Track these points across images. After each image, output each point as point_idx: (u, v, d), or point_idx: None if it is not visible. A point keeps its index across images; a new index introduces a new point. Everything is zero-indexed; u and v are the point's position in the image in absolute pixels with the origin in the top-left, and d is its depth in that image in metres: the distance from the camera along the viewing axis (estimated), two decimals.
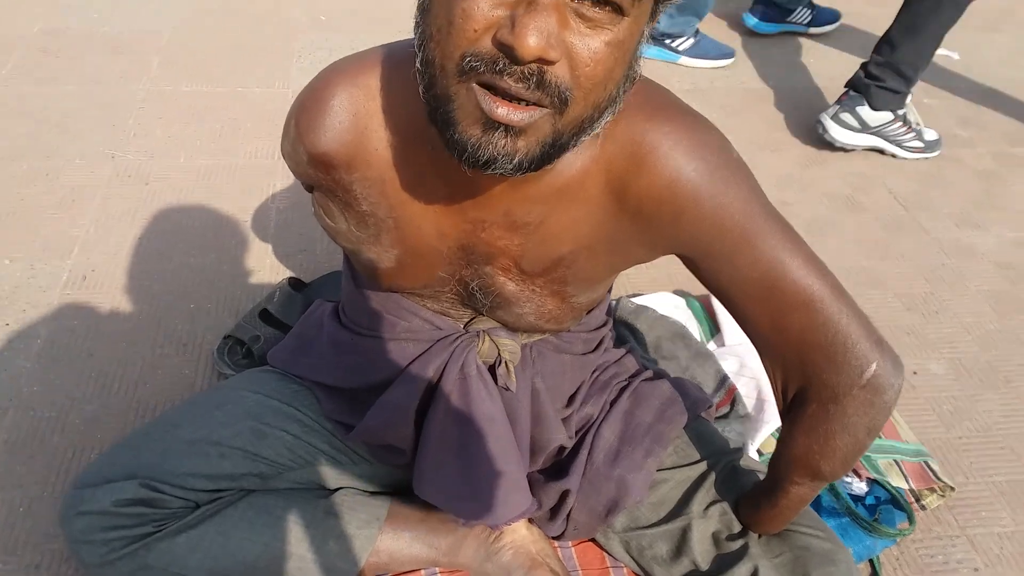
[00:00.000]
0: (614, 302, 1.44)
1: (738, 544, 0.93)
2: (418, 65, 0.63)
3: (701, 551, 0.95)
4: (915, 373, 1.45)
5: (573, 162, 0.72)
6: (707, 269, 0.78)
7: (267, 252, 1.58)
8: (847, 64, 2.48)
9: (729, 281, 0.78)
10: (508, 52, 0.55)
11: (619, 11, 0.57)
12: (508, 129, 0.59)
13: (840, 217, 1.84)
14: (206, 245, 1.57)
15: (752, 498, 0.95)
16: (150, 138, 1.86)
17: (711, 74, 2.37)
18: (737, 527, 0.95)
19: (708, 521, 0.97)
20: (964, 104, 2.33)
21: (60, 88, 2.01)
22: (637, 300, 1.48)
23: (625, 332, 1.39)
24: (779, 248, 0.75)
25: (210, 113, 1.97)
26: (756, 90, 2.32)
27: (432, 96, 0.62)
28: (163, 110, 1.97)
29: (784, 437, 0.87)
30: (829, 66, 2.47)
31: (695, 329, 1.47)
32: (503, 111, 0.58)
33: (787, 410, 0.86)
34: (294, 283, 1.42)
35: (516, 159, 0.60)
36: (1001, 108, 2.32)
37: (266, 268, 1.54)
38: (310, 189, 0.83)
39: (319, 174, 0.77)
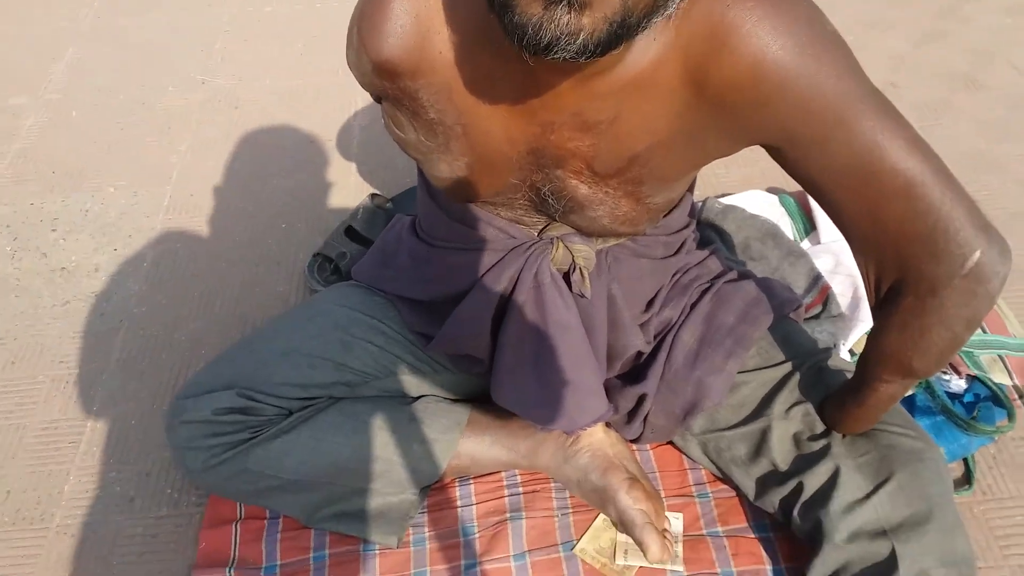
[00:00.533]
0: (700, 203, 1.39)
1: (820, 444, 0.91)
2: None
3: (780, 451, 0.94)
4: None
5: (646, 50, 0.67)
6: (796, 158, 0.72)
7: (351, 169, 1.61)
8: None
9: (821, 169, 0.72)
10: None
11: None
12: (571, 2, 0.54)
13: (956, 97, 1.68)
14: (295, 166, 1.61)
15: (838, 397, 0.91)
16: (237, 62, 1.90)
17: None
18: (820, 427, 0.92)
19: (790, 422, 0.94)
20: None
21: (148, 18, 2.07)
22: (726, 200, 1.42)
23: (711, 233, 1.34)
24: (877, 130, 0.68)
25: (292, 32, 1.99)
26: None
27: None
28: (248, 32, 2.00)
29: (875, 332, 0.82)
30: None
31: (788, 227, 1.40)
32: None
33: (880, 304, 0.80)
34: (377, 199, 1.44)
35: (581, 38, 0.55)
36: None
37: (351, 185, 1.57)
38: (379, 100, 0.82)
39: (385, 83, 0.76)
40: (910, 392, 1.11)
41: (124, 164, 1.62)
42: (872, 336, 0.83)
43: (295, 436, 0.97)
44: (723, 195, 1.45)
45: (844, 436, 0.91)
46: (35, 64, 1.91)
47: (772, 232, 1.34)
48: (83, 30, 2.03)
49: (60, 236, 1.47)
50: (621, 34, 0.56)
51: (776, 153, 0.74)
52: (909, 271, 0.74)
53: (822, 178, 0.72)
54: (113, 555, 1.03)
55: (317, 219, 1.49)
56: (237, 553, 0.99)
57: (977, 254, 0.71)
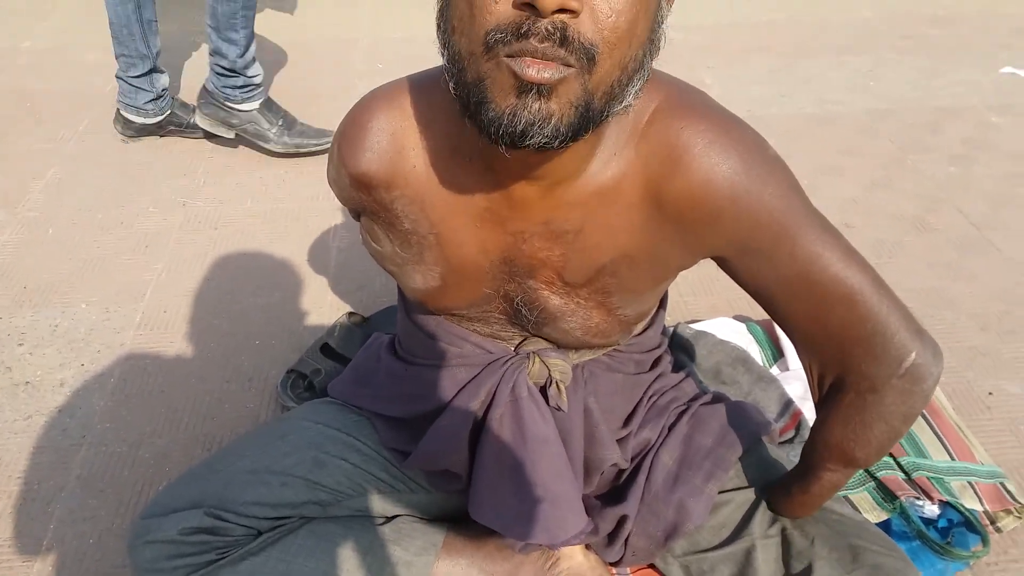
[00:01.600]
0: (672, 328, 1.42)
1: (805, 563, 0.90)
2: (446, 63, 0.64)
3: (766, 572, 0.92)
4: (990, 394, 1.39)
5: (608, 165, 0.73)
6: (745, 267, 0.78)
7: (327, 289, 1.62)
8: (909, 86, 2.43)
9: (768, 278, 0.77)
10: (529, 8, 0.56)
11: None
12: (540, 90, 0.58)
13: (908, 239, 1.79)
14: (271, 285, 1.62)
15: (784, 485, 0.93)
16: (219, 185, 1.95)
17: (769, 102, 2.35)
18: (803, 544, 0.92)
19: (771, 540, 0.94)
20: None
21: (133, 143, 2.13)
22: (696, 326, 1.46)
23: (684, 358, 1.37)
24: (818, 242, 0.74)
25: (274, 161, 2.06)
26: (815, 115, 2.29)
27: (463, 84, 0.62)
28: (230, 159, 2.06)
29: (819, 425, 0.86)
30: (888, 87, 2.42)
31: (757, 354, 1.44)
32: (533, 70, 0.57)
33: (823, 400, 0.85)
34: (353, 318, 1.45)
35: (552, 123, 0.59)
36: None
37: (327, 305, 1.58)
38: (357, 217, 0.86)
39: (361, 195, 0.80)
40: (884, 517, 1.12)
41: (98, 281, 1.62)
42: (816, 429, 0.87)
43: (263, 559, 0.93)
44: (693, 321, 1.49)
45: (827, 551, 0.90)
46: (16, 182, 1.94)
47: (742, 358, 1.37)
48: (66, 152, 2.08)
49: (27, 350, 1.44)
50: (588, 119, 0.61)
51: (727, 264, 0.80)
52: (850, 370, 0.79)
53: (769, 286, 0.78)
54: None
55: (292, 336, 1.49)
56: None
57: (913, 355, 0.77)
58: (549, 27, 0.56)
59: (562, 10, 0.55)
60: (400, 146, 0.77)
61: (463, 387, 0.92)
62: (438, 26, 0.65)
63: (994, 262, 1.71)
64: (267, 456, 0.99)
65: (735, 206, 0.72)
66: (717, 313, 1.54)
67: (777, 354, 1.44)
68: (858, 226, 1.83)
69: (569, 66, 0.58)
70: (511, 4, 0.57)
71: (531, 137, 0.60)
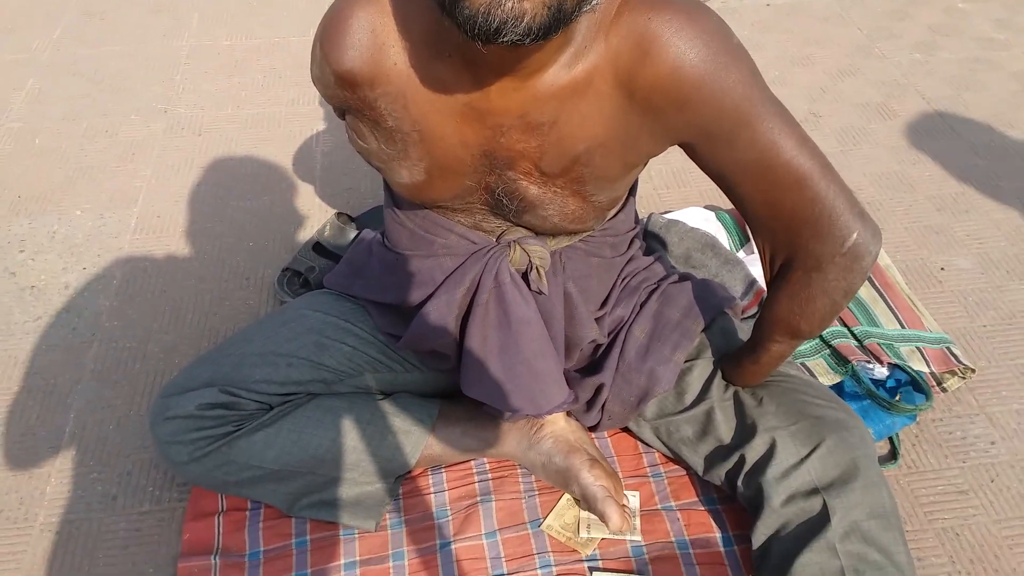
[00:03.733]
0: (645, 218, 1.50)
1: (756, 418, 1.01)
2: None
3: (724, 429, 1.04)
4: (942, 269, 1.49)
5: (580, 57, 0.77)
6: (707, 152, 0.84)
7: (315, 192, 1.68)
8: None
9: (727, 162, 0.84)
10: None
11: None
12: None
13: (873, 125, 1.85)
14: (259, 189, 1.67)
15: (736, 357, 1.04)
16: (198, 92, 1.96)
17: None
18: (752, 403, 1.03)
19: (727, 403, 1.04)
20: (999, 5, 2.28)
21: (108, 49, 2.12)
22: (668, 216, 1.53)
23: (656, 245, 1.45)
24: (775, 130, 0.80)
25: (251, 65, 2.06)
26: (785, 3, 2.30)
27: None
28: (207, 65, 2.06)
29: (768, 301, 0.95)
30: None
31: (725, 240, 1.52)
32: None
33: (773, 278, 0.93)
34: (342, 218, 1.52)
35: (524, 21, 0.64)
36: None
37: (315, 207, 1.64)
38: (342, 116, 0.91)
39: (345, 93, 0.84)
40: (837, 380, 1.23)
41: (89, 189, 1.66)
42: (766, 304, 0.95)
43: (276, 429, 1.03)
44: (665, 212, 1.57)
45: (775, 407, 1.01)
46: None
47: (711, 243, 1.46)
48: (42, 61, 2.07)
49: (28, 256, 1.50)
50: (559, 18, 0.66)
51: (692, 150, 0.86)
52: (798, 250, 0.87)
53: (729, 171, 0.85)
54: (98, 549, 1.06)
55: (283, 238, 1.56)
56: (221, 542, 1.03)
57: (855, 235, 0.84)
58: None
59: None
60: (381, 43, 0.80)
61: (450, 274, 1.00)
62: None
63: (953, 145, 1.79)
64: (272, 341, 1.08)
65: (700, 93, 0.78)
66: (689, 204, 1.62)
67: (744, 239, 1.53)
68: (825, 115, 1.89)
69: None
70: None
71: (505, 34, 0.64)
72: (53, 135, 1.81)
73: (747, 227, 1.53)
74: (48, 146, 1.78)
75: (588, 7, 0.69)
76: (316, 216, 1.61)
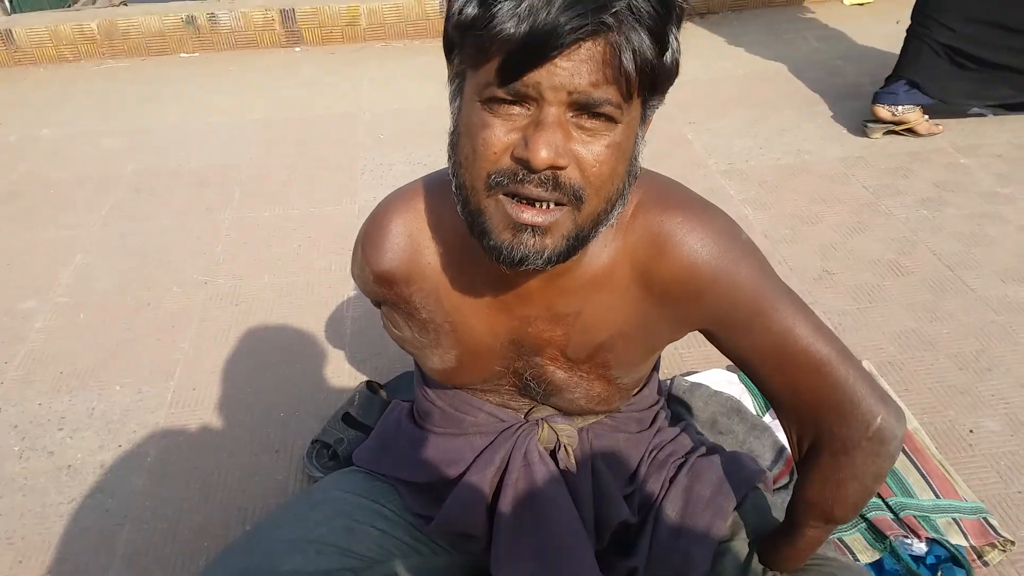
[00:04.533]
0: (668, 381, 1.52)
1: None
2: (453, 189, 0.76)
3: None
4: (971, 431, 1.48)
5: (600, 255, 0.83)
6: (726, 340, 0.88)
7: (345, 358, 1.73)
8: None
9: (746, 349, 0.87)
10: (525, 165, 0.68)
11: (612, 120, 0.69)
12: (535, 229, 0.70)
13: (887, 282, 1.90)
14: (292, 356, 1.73)
15: (772, 540, 1.02)
16: (237, 262, 2.07)
17: (747, 154, 2.48)
18: None
19: None
20: (1000, 161, 2.38)
21: (155, 223, 2.25)
22: (691, 378, 1.55)
23: (681, 410, 1.46)
24: (789, 318, 0.84)
25: (288, 234, 2.18)
26: (791, 164, 2.42)
27: (468, 212, 0.74)
28: (247, 235, 2.18)
29: (799, 485, 0.95)
30: (859, 135, 2.55)
31: (750, 403, 1.53)
32: (528, 215, 0.70)
33: (802, 461, 0.93)
34: (371, 386, 1.55)
35: (545, 254, 0.72)
36: None
37: (345, 373, 1.68)
38: (378, 305, 0.97)
39: (383, 290, 0.91)
40: (876, 557, 1.20)
41: (129, 363, 1.73)
42: (797, 488, 0.96)
43: None
44: (688, 372, 1.59)
45: None
46: (45, 269, 2.05)
47: (736, 408, 1.47)
48: (92, 236, 2.20)
49: (67, 435, 1.54)
50: (577, 246, 0.73)
51: (711, 336, 0.90)
52: (824, 433, 0.89)
53: (749, 357, 0.88)
54: None
55: (314, 407, 1.59)
56: None
57: (879, 419, 0.86)
58: (543, 177, 0.68)
59: (552, 166, 0.67)
60: (417, 246, 0.88)
61: (479, 454, 1.02)
62: (448, 155, 0.77)
63: (968, 301, 1.82)
64: (302, 526, 1.08)
65: (715, 286, 0.83)
66: (710, 364, 1.64)
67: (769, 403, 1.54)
68: (838, 272, 1.94)
69: (561, 204, 0.70)
70: (510, 156, 0.69)
71: (527, 264, 0.72)
72: (98, 309, 1.90)
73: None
74: (92, 320, 1.86)
75: (605, 226, 0.75)
76: (346, 382, 1.65)
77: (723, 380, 1.58)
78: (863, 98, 2.73)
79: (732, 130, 2.63)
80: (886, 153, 2.44)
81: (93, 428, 1.56)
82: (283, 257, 2.08)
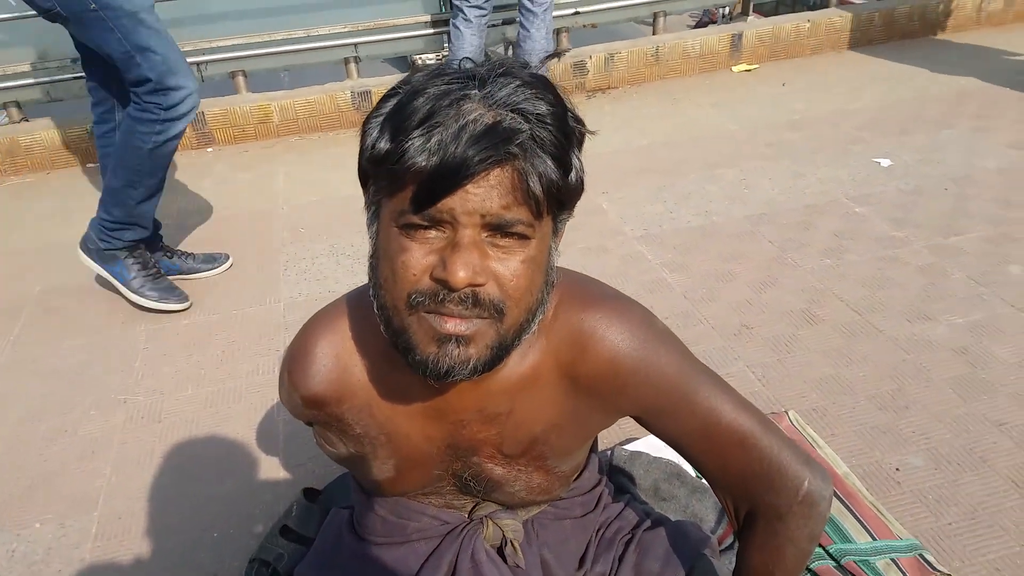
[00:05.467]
0: (609, 451, 1.53)
1: None
2: (376, 309, 0.78)
3: None
4: (898, 470, 1.54)
5: (526, 356, 0.86)
6: (655, 424, 0.91)
7: (280, 464, 1.68)
8: (778, 190, 2.71)
9: (675, 431, 0.90)
10: (445, 284, 0.70)
11: (525, 237, 0.72)
12: (458, 340, 0.72)
13: (801, 332, 1.98)
14: (222, 472, 1.67)
15: None
16: (158, 376, 2.00)
17: (659, 219, 2.58)
18: None
19: None
20: (892, 206, 2.54)
21: (68, 343, 2.17)
22: (630, 447, 1.57)
23: (623, 479, 1.47)
24: (712, 397, 0.88)
25: (210, 340, 2.13)
26: (701, 226, 2.52)
27: (391, 331, 0.76)
28: (166, 346, 2.12)
29: (741, 553, 0.98)
30: (760, 193, 2.70)
31: (688, 465, 1.56)
32: (451, 325, 0.72)
33: (741, 529, 0.97)
34: (309, 494, 1.51)
35: (471, 364, 0.73)
36: (929, 204, 2.53)
37: (281, 481, 1.63)
38: (309, 424, 0.96)
39: (314, 411, 0.91)
40: None
41: (49, 496, 1.64)
42: (739, 555, 0.99)
43: None
44: (627, 440, 1.61)
45: None
46: None
47: (676, 472, 1.49)
48: (1, 363, 2.10)
49: None
50: (501, 355, 0.76)
51: (641, 421, 0.93)
52: (756, 503, 0.93)
53: (678, 438, 0.91)
54: None
55: (250, 523, 1.53)
56: None
57: (806, 483, 0.90)
58: (462, 295, 0.71)
59: (471, 284, 0.70)
60: (344, 365, 0.88)
61: (426, 560, 1.01)
62: (369, 276, 0.78)
63: (879, 343, 1.91)
64: None
65: (638, 376, 0.86)
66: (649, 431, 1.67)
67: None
68: (756, 325, 2.02)
69: (482, 318, 0.72)
70: (429, 276, 0.71)
71: (453, 376, 0.74)
72: (12, 441, 1.80)
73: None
74: (7, 454, 1.77)
75: (528, 334, 0.78)
76: (283, 491, 1.61)
77: (661, 444, 1.59)
78: (757, 159, 2.90)
79: (642, 197, 2.74)
80: (787, 208, 2.58)
81: (15, 572, 1.46)
82: (205, 365, 2.03)
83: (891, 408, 1.70)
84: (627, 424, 1.71)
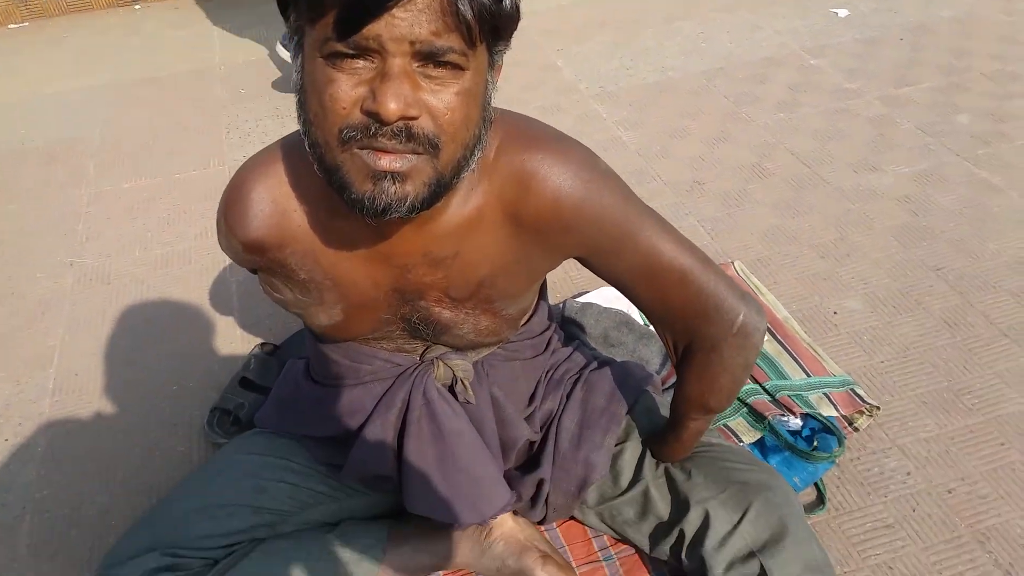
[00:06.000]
0: (561, 304, 1.57)
1: (688, 493, 1.07)
2: (307, 147, 0.75)
3: (662, 506, 1.09)
4: (835, 313, 1.61)
5: (468, 199, 0.85)
6: (599, 264, 0.92)
7: (235, 323, 1.69)
8: (734, 44, 2.65)
9: (618, 270, 0.92)
10: (376, 118, 0.67)
11: (459, 67, 0.69)
12: (394, 176, 0.70)
13: (751, 186, 2.00)
14: (177, 329, 1.67)
15: (660, 436, 1.11)
16: (103, 239, 1.96)
17: (616, 76, 2.53)
18: (683, 477, 1.09)
19: (660, 480, 1.10)
20: (848, 56, 2.52)
21: (4, 209, 2.10)
22: (581, 299, 1.61)
23: (574, 329, 1.52)
24: (654, 237, 0.89)
25: (154, 204, 2.08)
26: (657, 82, 2.48)
27: (325, 169, 0.74)
28: (109, 209, 2.07)
29: (678, 383, 1.03)
30: (716, 47, 2.64)
31: (637, 315, 1.61)
32: (385, 161, 0.69)
33: (679, 363, 1.02)
34: (265, 348, 1.53)
35: (408, 201, 0.72)
36: (883, 54, 2.51)
37: (237, 339, 1.65)
38: (254, 271, 0.95)
39: (255, 257, 0.89)
40: (758, 436, 1.31)
41: (2, 356, 1.63)
42: (677, 387, 1.04)
43: None
44: (579, 293, 1.65)
45: (703, 478, 1.07)
46: None
47: (625, 320, 1.54)
48: None
49: None
50: (439, 192, 0.74)
51: (585, 262, 0.94)
52: (695, 336, 0.96)
53: (621, 277, 0.93)
54: None
55: (208, 376, 1.56)
56: None
57: (741, 316, 0.94)
58: (395, 128, 0.68)
59: (403, 117, 0.67)
60: (283, 209, 0.86)
61: (380, 399, 1.04)
62: (298, 113, 0.75)
63: (825, 194, 1.95)
64: (209, 493, 1.08)
65: (581, 216, 0.86)
66: (599, 284, 1.70)
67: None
68: (707, 181, 2.03)
69: (418, 154, 0.70)
70: (359, 110, 0.68)
71: (391, 213, 0.72)
72: None
73: None
74: None
75: (467, 171, 0.76)
76: (239, 348, 1.62)
77: (612, 296, 1.65)
78: (716, 10, 2.82)
79: (598, 54, 2.67)
80: (744, 62, 2.54)
81: None
82: (152, 228, 1.99)
83: (833, 256, 1.76)
84: (579, 278, 1.75)
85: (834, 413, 1.35)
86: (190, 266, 1.85)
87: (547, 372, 1.17)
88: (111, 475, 1.37)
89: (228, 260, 1.84)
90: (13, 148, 2.34)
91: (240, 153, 2.21)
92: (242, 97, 2.55)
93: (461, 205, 0.85)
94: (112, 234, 1.98)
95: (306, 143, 0.75)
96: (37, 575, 1.22)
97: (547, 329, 1.15)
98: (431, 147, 0.70)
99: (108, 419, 1.48)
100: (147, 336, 1.66)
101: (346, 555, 1.09)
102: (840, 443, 1.28)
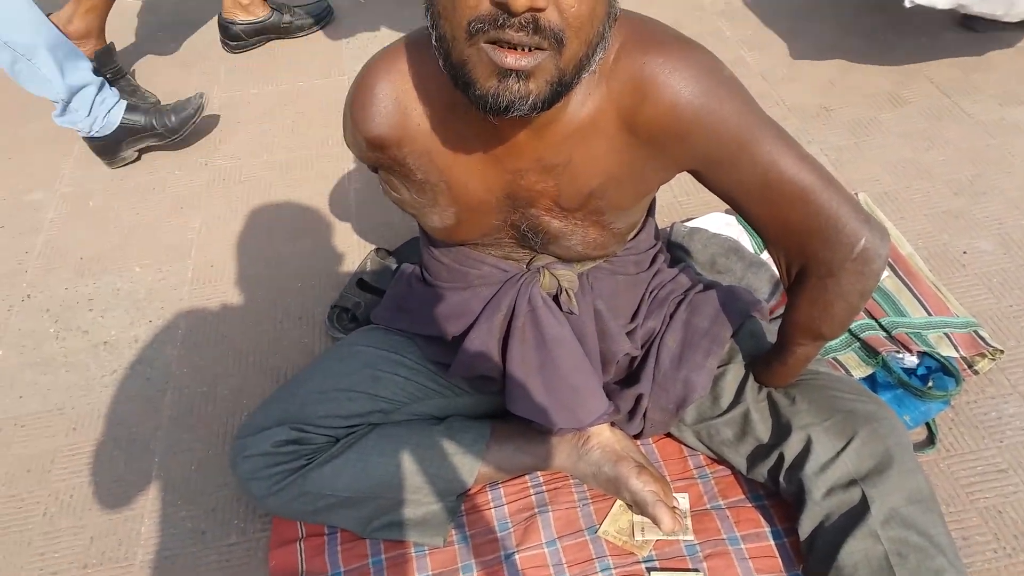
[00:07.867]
0: (668, 228, 1.56)
1: (791, 417, 1.07)
2: (434, 42, 0.76)
3: (761, 429, 1.10)
4: (965, 253, 1.53)
5: (585, 103, 0.85)
6: (714, 177, 0.91)
7: (352, 229, 1.77)
8: None
9: (734, 185, 0.90)
10: (505, 8, 0.68)
11: None
12: (519, 74, 0.71)
13: (884, 115, 1.89)
14: (300, 231, 1.77)
15: (765, 360, 1.10)
16: (233, 143, 2.07)
17: None
18: (786, 402, 1.08)
19: (762, 404, 1.10)
20: None
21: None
22: (690, 224, 1.59)
23: (680, 253, 1.51)
24: (774, 151, 0.87)
25: (279, 111, 2.17)
26: (789, 3, 2.35)
27: (450, 65, 0.75)
28: (240, 115, 2.17)
29: (789, 308, 1.01)
30: None
31: (748, 242, 1.58)
32: (511, 59, 0.70)
33: (791, 287, 0.99)
34: (381, 253, 1.60)
35: (531, 100, 0.73)
36: None
37: (354, 244, 1.73)
38: (375, 170, 0.99)
39: (377, 154, 0.93)
40: (869, 372, 1.28)
41: (145, 245, 1.77)
42: (787, 310, 1.02)
43: (344, 459, 1.11)
44: (688, 219, 1.63)
45: (808, 405, 1.06)
46: (45, 162, 2.06)
47: (734, 247, 1.52)
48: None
49: (98, 315, 1.61)
50: (561, 91, 0.75)
51: (699, 176, 0.93)
52: (811, 259, 0.93)
53: (736, 192, 0.91)
54: None
55: (328, 276, 1.65)
56: (304, 567, 1.12)
57: (863, 241, 0.90)
58: (523, 20, 0.68)
59: (532, 8, 0.67)
60: (404, 107, 0.89)
61: (487, 303, 1.08)
62: (425, 7, 0.77)
63: (964, 127, 1.82)
64: (331, 378, 1.17)
65: (699, 125, 0.85)
66: (710, 209, 1.68)
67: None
68: (836, 108, 1.93)
69: (542, 49, 0.70)
70: (488, 3, 0.69)
71: (514, 111, 0.73)
72: (105, 196, 1.93)
73: None
74: (101, 207, 1.90)
75: (587, 72, 0.76)
76: (356, 252, 1.70)
77: (721, 223, 1.62)
78: None
79: None
80: None
81: (121, 307, 1.63)
82: (278, 134, 2.08)
83: (967, 193, 1.66)
84: (688, 203, 1.72)
85: (954, 354, 1.31)
86: (312, 171, 1.94)
87: (651, 291, 1.17)
88: (243, 359, 1.49)
89: (347, 169, 1.92)
90: (156, 49, 2.48)
91: (360, 64, 2.25)
92: (360, 7, 2.59)
93: (577, 110, 0.85)
94: (242, 138, 2.08)
95: (433, 37, 0.76)
96: (179, 443, 1.36)
97: (653, 247, 1.16)
98: (556, 42, 0.70)
99: (240, 309, 1.60)
100: (274, 235, 1.77)
101: (452, 448, 1.16)
102: (958, 384, 1.24)
